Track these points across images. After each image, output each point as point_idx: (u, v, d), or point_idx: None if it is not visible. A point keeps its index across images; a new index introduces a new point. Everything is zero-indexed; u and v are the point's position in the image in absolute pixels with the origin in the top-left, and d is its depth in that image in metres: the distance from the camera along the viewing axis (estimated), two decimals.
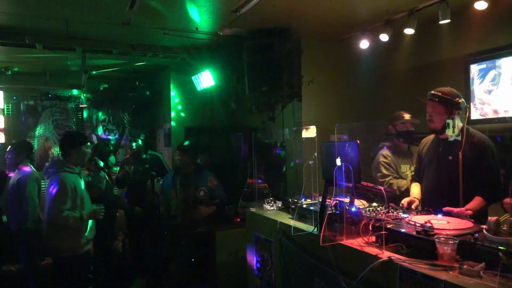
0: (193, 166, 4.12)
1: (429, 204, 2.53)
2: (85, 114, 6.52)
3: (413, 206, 2.62)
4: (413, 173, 3.19)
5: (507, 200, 2.25)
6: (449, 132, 2.65)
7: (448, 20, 3.29)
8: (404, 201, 2.72)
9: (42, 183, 4.28)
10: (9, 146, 4.42)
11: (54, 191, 3.21)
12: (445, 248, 1.73)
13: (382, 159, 3.45)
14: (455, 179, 2.55)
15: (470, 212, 2.36)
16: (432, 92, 2.70)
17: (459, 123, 2.69)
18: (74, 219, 3.20)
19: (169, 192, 4.10)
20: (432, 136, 2.93)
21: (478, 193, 2.56)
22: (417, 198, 2.75)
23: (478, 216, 2.35)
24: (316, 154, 2.73)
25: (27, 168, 4.15)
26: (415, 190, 2.90)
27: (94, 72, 5.94)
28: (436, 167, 2.77)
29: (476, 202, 2.53)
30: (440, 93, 2.65)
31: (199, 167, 4.21)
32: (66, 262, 3.29)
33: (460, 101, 2.62)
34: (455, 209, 2.41)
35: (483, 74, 3.61)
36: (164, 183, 4.29)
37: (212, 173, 4.16)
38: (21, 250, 4.10)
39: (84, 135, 3.86)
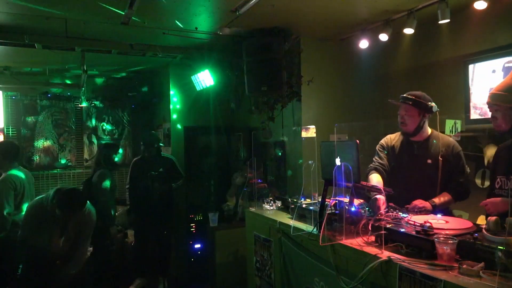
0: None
1: (406, 205, 2.58)
2: (84, 114, 6.51)
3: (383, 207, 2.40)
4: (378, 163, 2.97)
5: (487, 201, 2.30)
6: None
7: (448, 20, 3.29)
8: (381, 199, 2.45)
9: None
10: None
11: None
12: (444, 247, 1.73)
13: None
14: (434, 181, 2.69)
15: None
16: (405, 95, 2.80)
17: (428, 127, 2.85)
18: None
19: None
20: (398, 135, 2.98)
21: (447, 190, 2.71)
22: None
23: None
24: (310, 162, 2.75)
25: (7, 174, 3.87)
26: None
27: (93, 72, 5.94)
28: (414, 170, 2.81)
29: (444, 197, 2.67)
30: (413, 97, 2.75)
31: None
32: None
33: (432, 105, 2.73)
34: (419, 203, 2.55)
35: (483, 73, 3.61)
36: None
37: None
38: None
39: None
